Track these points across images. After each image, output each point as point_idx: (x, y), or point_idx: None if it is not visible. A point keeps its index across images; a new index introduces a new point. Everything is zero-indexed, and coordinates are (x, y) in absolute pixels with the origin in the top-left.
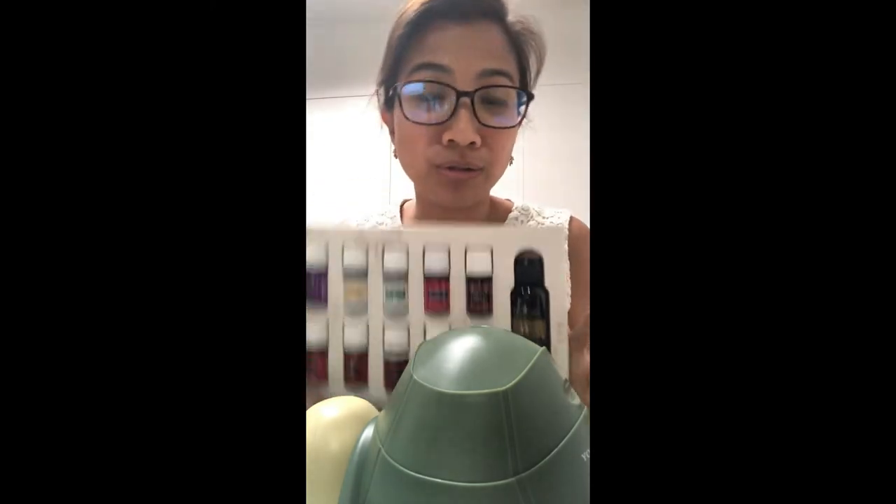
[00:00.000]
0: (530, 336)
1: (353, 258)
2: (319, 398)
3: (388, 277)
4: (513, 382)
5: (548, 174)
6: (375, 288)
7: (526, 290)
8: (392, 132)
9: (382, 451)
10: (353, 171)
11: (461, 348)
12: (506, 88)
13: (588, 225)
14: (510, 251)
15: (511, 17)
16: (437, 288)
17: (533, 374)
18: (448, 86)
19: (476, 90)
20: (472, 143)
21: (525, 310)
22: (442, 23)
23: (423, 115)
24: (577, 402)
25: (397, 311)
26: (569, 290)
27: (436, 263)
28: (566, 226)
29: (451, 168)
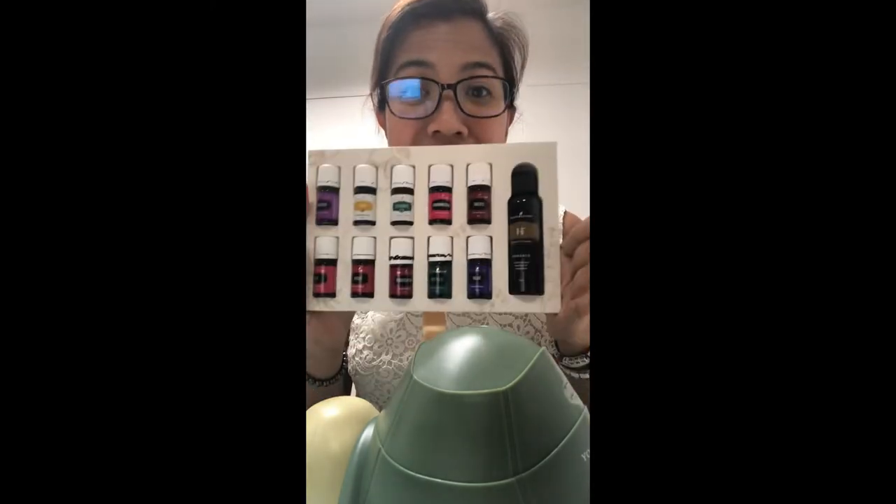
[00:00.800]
0: (525, 238)
1: (364, 176)
2: (326, 311)
3: (396, 191)
4: (513, 382)
5: None
6: (383, 202)
7: (521, 198)
8: (387, 133)
9: (382, 451)
10: None
11: (461, 348)
12: (491, 80)
13: (581, 219)
14: (508, 165)
15: (491, 14)
16: (440, 198)
17: (533, 374)
18: (431, 80)
19: (458, 82)
20: (458, 133)
21: (521, 214)
22: (424, 22)
23: (409, 110)
24: (578, 403)
25: (403, 220)
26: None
27: (440, 176)
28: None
29: None
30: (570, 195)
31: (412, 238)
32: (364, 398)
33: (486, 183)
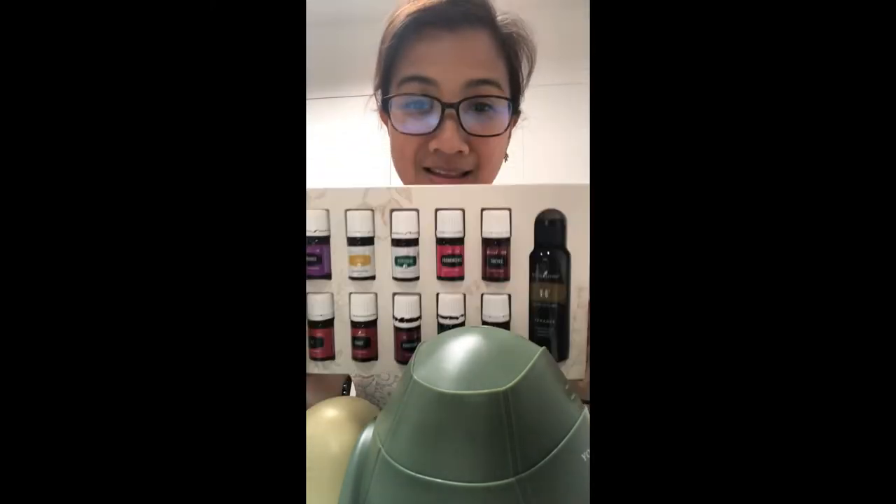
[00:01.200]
0: (549, 301)
1: (358, 223)
2: (326, 378)
3: (397, 243)
4: (513, 382)
5: (548, 174)
6: (383, 254)
7: (546, 252)
8: (390, 141)
9: (382, 451)
10: (353, 172)
11: (461, 348)
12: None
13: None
14: (529, 209)
15: (500, 19)
16: (450, 252)
17: (533, 374)
18: (434, 98)
19: (461, 101)
20: (460, 152)
21: (545, 273)
22: (429, 32)
23: (411, 126)
24: (578, 403)
25: (408, 276)
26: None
27: (449, 226)
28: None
29: (439, 173)
30: None
31: (419, 295)
32: (364, 399)
33: (505, 235)
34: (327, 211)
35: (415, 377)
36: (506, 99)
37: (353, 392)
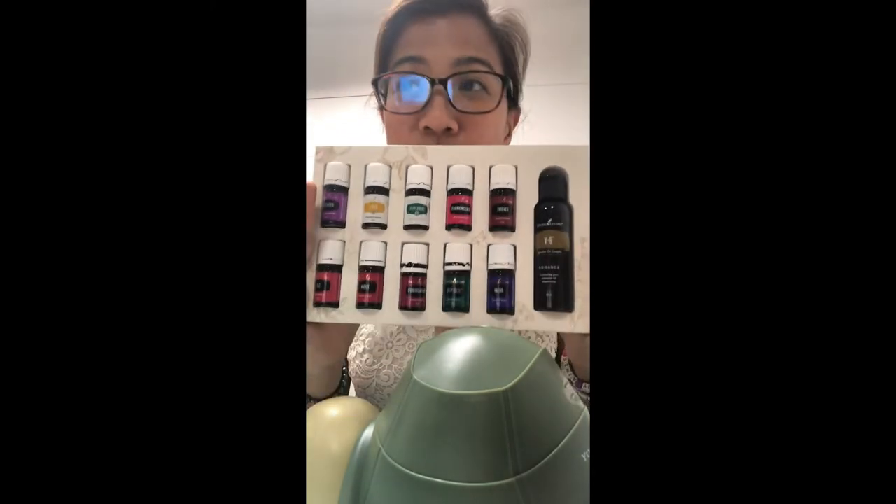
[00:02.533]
0: (554, 248)
1: (376, 173)
2: (329, 323)
3: (411, 192)
4: (513, 382)
5: None
6: (396, 204)
7: (550, 204)
8: (385, 130)
9: (382, 451)
10: None
11: (461, 348)
12: (487, 76)
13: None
14: (535, 168)
15: (492, 11)
16: (459, 201)
17: (533, 374)
18: (423, 75)
19: (449, 77)
20: (449, 130)
21: (549, 221)
22: (420, 18)
23: (401, 106)
24: (578, 403)
25: (418, 223)
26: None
27: (460, 177)
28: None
29: None
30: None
31: (427, 244)
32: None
33: (511, 187)
34: (349, 166)
35: (415, 377)
36: (496, 75)
37: (352, 392)
